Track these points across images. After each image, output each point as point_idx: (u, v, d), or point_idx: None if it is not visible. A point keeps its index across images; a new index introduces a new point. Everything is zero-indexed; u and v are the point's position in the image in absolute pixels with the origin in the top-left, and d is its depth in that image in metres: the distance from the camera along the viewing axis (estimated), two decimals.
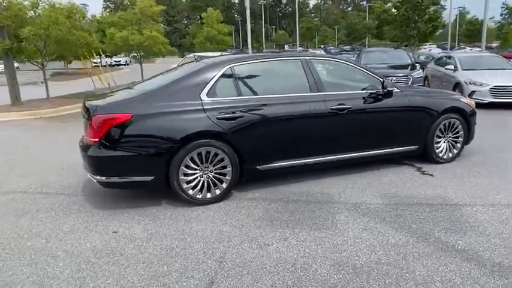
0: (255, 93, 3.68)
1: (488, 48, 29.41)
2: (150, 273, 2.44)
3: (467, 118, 4.53)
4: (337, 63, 4.27)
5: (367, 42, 50.79)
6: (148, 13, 17.77)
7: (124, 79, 17.71)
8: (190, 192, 3.42)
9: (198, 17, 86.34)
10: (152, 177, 3.31)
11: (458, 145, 4.58)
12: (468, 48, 33.88)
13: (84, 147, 3.40)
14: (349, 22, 68.82)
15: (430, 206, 3.37)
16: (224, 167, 3.48)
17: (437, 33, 22.64)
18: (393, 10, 19.67)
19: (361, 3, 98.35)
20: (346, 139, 4.00)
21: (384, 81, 4.07)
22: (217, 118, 3.40)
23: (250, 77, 3.73)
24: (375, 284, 2.27)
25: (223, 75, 3.58)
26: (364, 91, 4.06)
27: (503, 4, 35.91)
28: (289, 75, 3.96)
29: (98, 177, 3.31)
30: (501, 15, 41.22)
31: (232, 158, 3.46)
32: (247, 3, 14.20)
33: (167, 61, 29.14)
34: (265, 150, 3.64)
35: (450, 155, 4.56)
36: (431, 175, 4.14)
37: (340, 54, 24.32)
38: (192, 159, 3.36)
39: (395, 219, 3.13)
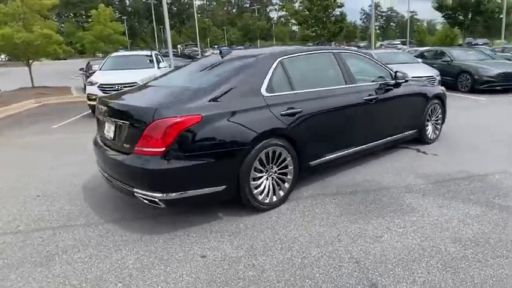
0: (305, 87, 3.55)
1: (358, 47, 34.28)
2: None
3: (444, 103, 5.25)
4: (356, 56, 4.42)
5: (258, 43, 53.40)
6: (35, 7, 15.14)
7: None
8: (260, 197, 3.13)
9: (72, 14, 77.31)
10: (224, 186, 2.91)
11: (439, 127, 5.28)
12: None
13: (131, 161, 2.77)
14: (244, 23, 71.37)
15: (463, 179, 3.81)
16: (286, 167, 3.29)
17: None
18: (305, 12, 21.26)
19: (244, 5, 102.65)
20: (374, 127, 4.21)
21: (396, 72, 4.41)
22: (281, 114, 3.19)
23: (297, 70, 3.58)
24: (503, 250, 2.48)
25: (277, 69, 3.36)
26: (382, 81, 4.32)
27: (362, 10, 42.49)
28: (327, 67, 3.95)
29: (158, 194, 2.73)
30: (360, 19, 48.86)
31: (293, 155, 3.29)
32: (164, 1, 13.32)
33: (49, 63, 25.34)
34: (318, 145, 3.57)
35: (434, 136, 5.21)
36: (436, 154, 4.68)
37: None
38: (260, 161, 3.07)
39: (452, 194, 3.45)
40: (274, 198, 3.25)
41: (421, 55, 13.05)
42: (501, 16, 26.60)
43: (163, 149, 2.65)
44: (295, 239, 2.76)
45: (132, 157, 2.78)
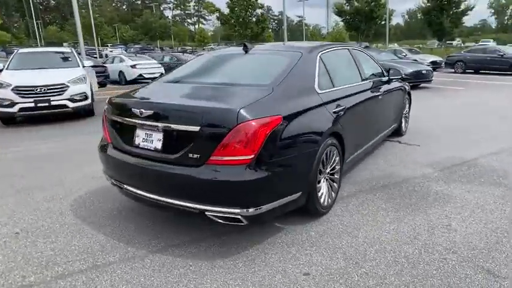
0: (340, 83, 3.45)
1: None
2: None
3: (411, 97, 5.81)
4: (359, 52, 4.49)
5: (158, 43, 50.89)
6: None
7: None
8: (321, 200, 2.95)
9: None
10: (300, 193, 2.65)
11: (408, 119, 5.82)
12: None
13: (206, 174, 2.29)
14: (145, 21, 66.70)
15: (460, 165, 4.26)
16: (335, 167, 3.18)
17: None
18: (228, 11, 20.88)
19: (136, 1, 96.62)
20: (381, 121, 4.41)
21: (389, 68, 4.68)
22: (333, 112, 3.06)
23: (331, 65, 3.43)
24: None
25: (320, 64, 3.20)
26: (379, 77, 4.53)
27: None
28: (348, 63, 3.91)
29: (238, 210, 2.32)
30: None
31: (339, 154, 3.21)
32: None
33: None
34: (353, 142, 3.55)
35: (405, 129, 5.73)
36: (418, 145, 5.13)
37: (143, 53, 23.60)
38: (322, 162, 2.89)
39: (466, 179, 3.82)
40: (329, 201, 3.11)
41: None
42: (383, 22, 31.20)
43: (252, 156, 2.27)
44: (378, 240, 2.68)
45: (206, 169, 2.30)
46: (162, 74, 15.93)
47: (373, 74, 4.41)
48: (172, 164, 2.43)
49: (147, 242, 2.70)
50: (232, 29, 21.16)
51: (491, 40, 42.32)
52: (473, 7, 28.16)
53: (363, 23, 31.03)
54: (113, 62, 16.67)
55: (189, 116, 2.37)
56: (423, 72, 11.73)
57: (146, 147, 2.57)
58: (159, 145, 2.50)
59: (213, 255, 2.51)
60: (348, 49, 4.00)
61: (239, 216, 2.32)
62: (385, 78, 4.64)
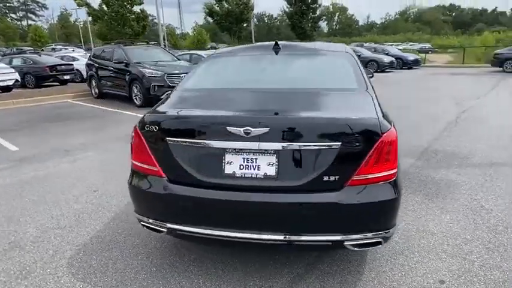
0: None
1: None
2: None
3: None
4: None
5: None
6: None
7: None
8: None
9: None
10: None
11: None
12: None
13: (351, 197, 1.92)
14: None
15: (433, 152, 4.82)
16: None
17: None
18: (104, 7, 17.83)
19: None
20: None
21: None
22: None
23: None
24: None
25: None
26: None
27: None
28: None
29: (389, 230, 2.05)
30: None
31: None
32: None
33: None
34: None
35: None
36: None
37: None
38: None
39: (463, 165, 4.34)
40: None
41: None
42: (245, 25, 32.77)
43: (395, 170, 2.01)
44: (455, 233, 2.79)
45: (347, 192, 1.93)
46: (17, 81, 12.67)
47: None
48: (296, 191, 1.94)
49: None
50: (107, 26, 18.61)
51: None
52: (327, 13, 32.42)
53: (234, 24, 32.06)
54: None
55: (325, 130, 1.93)
56: None
57: (248, 175, 1.98)
58: (271, 171, 1.97)
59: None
60: None
61: (380, 239, 2.03)
62: None
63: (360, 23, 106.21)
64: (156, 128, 2.11)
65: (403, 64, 20.31)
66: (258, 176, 1.98)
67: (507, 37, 28.94)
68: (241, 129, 1.93)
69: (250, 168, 1.99)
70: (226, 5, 32.29)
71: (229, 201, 2.00)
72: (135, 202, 2.31)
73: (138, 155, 2.22)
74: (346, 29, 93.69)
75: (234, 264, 2.45)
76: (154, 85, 9.23)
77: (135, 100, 9.72)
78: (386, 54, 20.61)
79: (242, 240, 2.03)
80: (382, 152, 1.95)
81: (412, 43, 49.15)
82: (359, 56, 11.60)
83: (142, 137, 2.17)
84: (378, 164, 1.95)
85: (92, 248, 2.72)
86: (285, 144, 1.93)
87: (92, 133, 6.58)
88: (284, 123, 1.96)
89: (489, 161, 4.42)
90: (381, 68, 18.32)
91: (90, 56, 12.38)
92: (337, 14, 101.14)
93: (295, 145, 1.93)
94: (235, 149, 1.99)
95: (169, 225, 2.14)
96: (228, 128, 1.95)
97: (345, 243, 1.99)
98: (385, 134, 1.95)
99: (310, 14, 31.84)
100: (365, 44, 28.49)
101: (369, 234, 2.00)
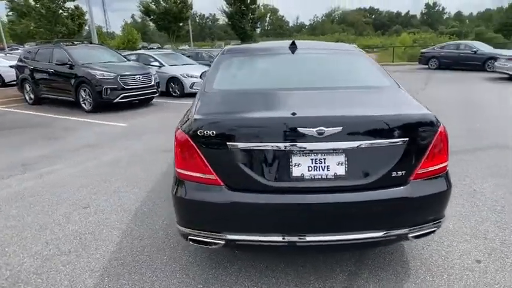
0: None
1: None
2: None
3: None
4: None
5: None
6: None
7: None
8: None
9: None
10: None
11: None
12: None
13: (418, 190, 1.99)
14: None
15: None
16: None
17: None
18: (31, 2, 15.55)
19: None
20: None
21: None
22: None
23: None
24: None
25: None
26: None
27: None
28: None
29: (442, 219, 2.16)
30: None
31: None
32: None
33: None
34: None
35: None
36: None
37: None
38: None
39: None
40: None
41: None
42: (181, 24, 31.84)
43: (448, 162, 2.10)
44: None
45: (413, 186, 1.98)
46: None
47: None
48: (365, 189, 1.94)
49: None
50: (36, 23, 16.48)
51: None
52: (265, 14, 32.93)
53: (173, 24, 30.95)
54: None
55: (393, 126, 1.94)
56: None
57: (318, 176, 1.93)
58: (341, 170, 1.94)
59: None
60: None
61: (436, 228, 2.12)
62: None
63: (290, 24, 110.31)
64: (213, 133, 1.94)
65: None
66: (328, 176, 1.94)
67: (421, 38, 32.68)
68: (314, 129, 1.86)
69: (319, 169, 1.94)
70: (163, 4, 31.04)
71: (302, 205, 1.92)
72: (181, 214, 2.11)
73: (186, 163, 2.02)
74: (278, 30, 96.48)
75: (283, 269, 2.38)
76: (107, 88, 8.53)
77: (83, 105, 8.87)
78: None
79: (315, 244, 1.97)
80: (439, 145, 2.04)
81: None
82: None
83: (194, 143, 1.98)
84: (436, 156, 2.04)
85: (116, 272, 2.42)
86: (355, 142, 1.92)
87: (46, 143, 5.85)
88: (356, 122, 1.94)
89: (472, 146, 4.88)
90: None
91: (20, 57, 11.03)
92: (269, 15, 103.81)
93: (366, 143, 1.92)
94: (303, 150, 1.92)
95: (229, 236, 1.99)
96: (299, 128, 1.87)
97: (409, 235, 2.05)
98: (440, 127, 2.05)
99: (250, 14, 32.09)
100: None
101: (430, 224, 2.08)
